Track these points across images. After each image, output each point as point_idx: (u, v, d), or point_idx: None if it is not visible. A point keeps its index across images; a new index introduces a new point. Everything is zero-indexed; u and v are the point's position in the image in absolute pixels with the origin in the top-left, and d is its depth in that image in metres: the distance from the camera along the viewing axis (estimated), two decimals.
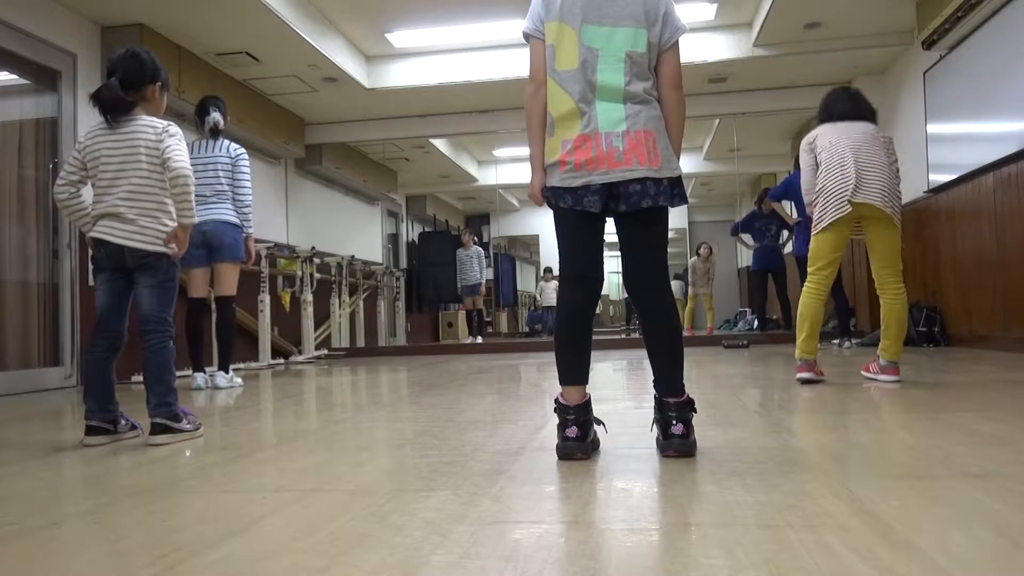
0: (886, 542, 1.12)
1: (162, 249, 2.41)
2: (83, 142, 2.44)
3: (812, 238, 3.45)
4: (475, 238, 10.66)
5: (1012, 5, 4.88)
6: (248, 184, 4.44)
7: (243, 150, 4.47)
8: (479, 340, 10.21)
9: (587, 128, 1.81)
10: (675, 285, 10.05)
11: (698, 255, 9.41)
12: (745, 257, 12.22)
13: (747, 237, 7.76)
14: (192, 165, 2.48)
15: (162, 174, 2.41)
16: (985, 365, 4.17)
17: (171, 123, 2.47)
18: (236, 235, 4.37)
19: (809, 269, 3.44)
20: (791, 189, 6.13)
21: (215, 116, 4.43)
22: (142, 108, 2.47)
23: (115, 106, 2.40)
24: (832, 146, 3.36)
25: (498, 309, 13.08)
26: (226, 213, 4.33)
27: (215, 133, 4.42)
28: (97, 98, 2.39)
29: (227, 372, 4.47)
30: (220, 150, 4.38)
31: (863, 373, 3.56)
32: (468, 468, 1.77)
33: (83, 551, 1.27)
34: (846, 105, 3.47)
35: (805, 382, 3.39)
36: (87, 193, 2.47)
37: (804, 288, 3.46)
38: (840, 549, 1.09)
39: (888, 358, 3.36)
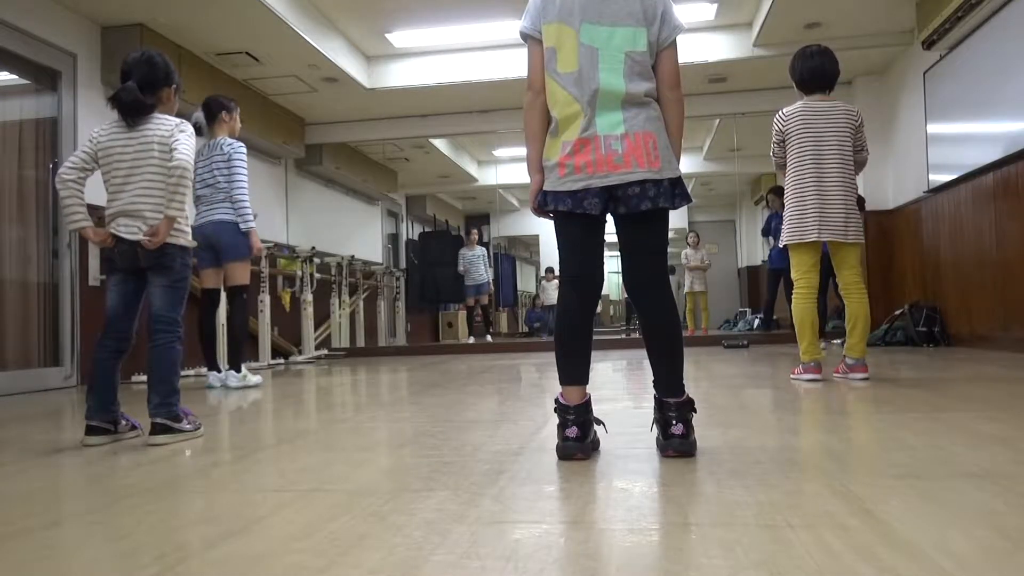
0: (886, 542, 1.12)
1: (175, 241, 2.42)
2: (97, 136, 2.45)
3: (789, 249, 3.56)
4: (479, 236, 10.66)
5: (1012, 5, 4.88)
6: (241, 178, 4.32)
7: (238, 145, 4.37)
8: (488, 339, 10.09)
9: (586, 132, 1.80)
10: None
11: (687, 243, 9.68)
12: (746, 257, 12.26)
13: (771, 239, 7.91)
14: (196, 165, 2.49)
15: None
16: (985, 365, 4.17)
17: (184, 121, 2.50)
18: (236, 232, 4.36)
19: (793, 276, 3.58)
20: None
21: (196, 115, 4.31)
22: (158, 110, 2.50)
23: (136, 109, 2.41)
24: (800, 152, 3.42)
25: (498, 309, 13.07)
26: (225, 212, 4.33)
27: (199, 131, 4.29)
28: (117, 101, 2.40)
29: (238, 371, 4.46)
30: (218, 149, 4.37)
31: (834, 375, 3.59)
32: (468, 468, 1.77)
33: (83, 551, 1.27)
34: (814, 79, 3.44)
35: (811, 381, 3.46)
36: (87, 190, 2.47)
37: (793, 295, 3.57)
38: (840, 549, 1.09)
39: (856, 356, 3.50)
